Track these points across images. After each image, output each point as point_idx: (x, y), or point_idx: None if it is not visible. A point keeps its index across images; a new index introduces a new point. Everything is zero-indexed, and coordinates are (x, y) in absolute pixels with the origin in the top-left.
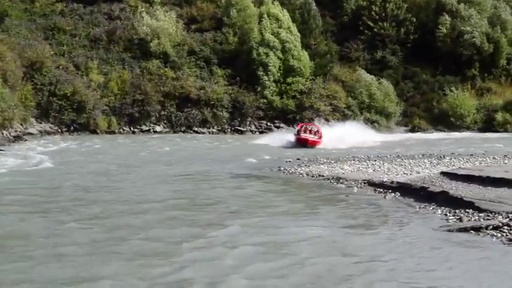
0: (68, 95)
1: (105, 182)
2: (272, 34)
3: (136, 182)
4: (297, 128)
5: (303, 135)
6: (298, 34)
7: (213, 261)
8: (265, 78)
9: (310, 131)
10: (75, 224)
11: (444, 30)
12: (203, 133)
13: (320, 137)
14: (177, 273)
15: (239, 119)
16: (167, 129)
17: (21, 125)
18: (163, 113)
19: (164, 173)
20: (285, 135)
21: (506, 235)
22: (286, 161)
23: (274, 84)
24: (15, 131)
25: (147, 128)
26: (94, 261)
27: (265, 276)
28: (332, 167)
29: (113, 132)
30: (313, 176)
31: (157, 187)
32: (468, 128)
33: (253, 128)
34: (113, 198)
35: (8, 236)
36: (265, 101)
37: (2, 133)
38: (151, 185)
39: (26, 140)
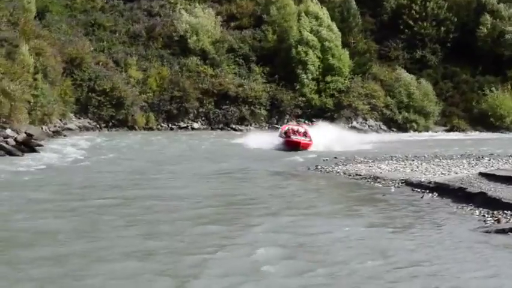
0: (107, 91)
1: (140, 180)
2: (311, 32)
3: (172, 180)
4: (282, 129)
5: (294, 137)
6: (339, 33)
7: (245, 261)
8: (304, 76)
9: (298, 133)
10: (108, 223)
11: (485, 30)
12: (241, 130)
13: (311, 139)
14: (209, 273)
15: (277, 116)
16: (205, 126)
17: (61, 120)
18: (201, 110)
19: (201, 170)
20: (262, 136)
21: None
22: (324, 160)
23: (313, 83)
24: (55, 126)
25: (185, 125)
26: (128, 262)
27: (298, 278)
28: (369, 166)
29: (151, 129)
30: (350, 175)
31: (193, 185)
32: (508, 129)
33: None
34: (148, 196)
35: (39, 233)
36: (303, 99)
37: (42, 128)
38: (187, 183)
39: (65, 136)
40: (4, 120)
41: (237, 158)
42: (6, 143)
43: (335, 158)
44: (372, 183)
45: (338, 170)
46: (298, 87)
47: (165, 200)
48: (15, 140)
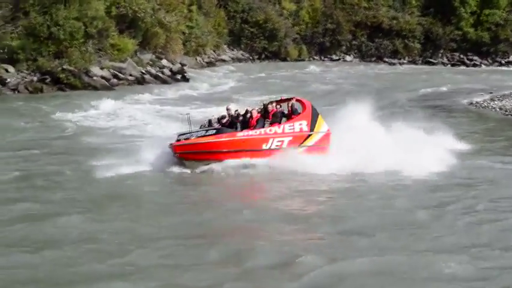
0: (260, 22)
1: None
2: None
3: None
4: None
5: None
6: None
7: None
8: (462, 10)
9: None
10: None
11: None
12: (393, 64)
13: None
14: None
15: (431, 50)
16: (357, 59)
17: (214, 51)
18: (354, 42)
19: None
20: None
21: None
22: (479, 94)
23: (470, 16)
24: (208, 57)
25: (337, 58)
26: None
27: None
28: None
29: (303, 61)
30: (506, 111)
31: None
32: None
33: (445, 60)
34: None
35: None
36: (459, 32)
37: (196, 59)
38: None
39: (217, 66)
40: (160, 50)
41: None
42: (162, 73)
43: (491, 92)
44: None
45: (494, 106)
46: (454, 20)
47: None
48: (170, 70)
